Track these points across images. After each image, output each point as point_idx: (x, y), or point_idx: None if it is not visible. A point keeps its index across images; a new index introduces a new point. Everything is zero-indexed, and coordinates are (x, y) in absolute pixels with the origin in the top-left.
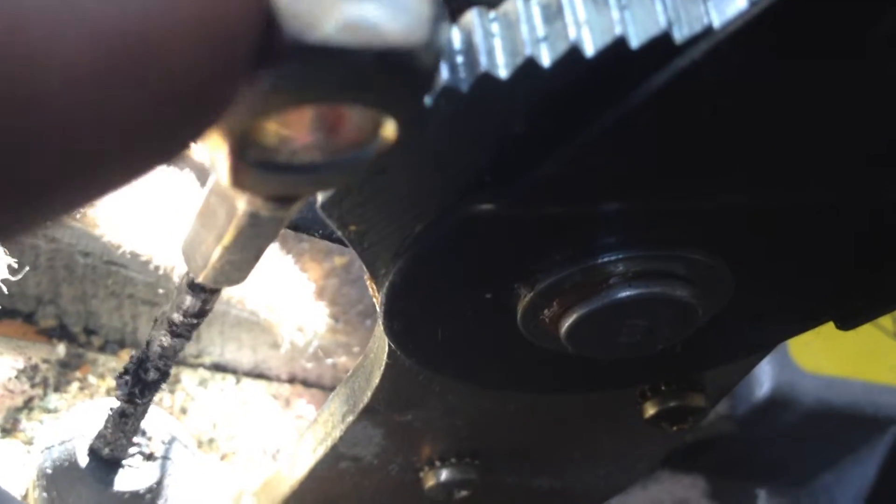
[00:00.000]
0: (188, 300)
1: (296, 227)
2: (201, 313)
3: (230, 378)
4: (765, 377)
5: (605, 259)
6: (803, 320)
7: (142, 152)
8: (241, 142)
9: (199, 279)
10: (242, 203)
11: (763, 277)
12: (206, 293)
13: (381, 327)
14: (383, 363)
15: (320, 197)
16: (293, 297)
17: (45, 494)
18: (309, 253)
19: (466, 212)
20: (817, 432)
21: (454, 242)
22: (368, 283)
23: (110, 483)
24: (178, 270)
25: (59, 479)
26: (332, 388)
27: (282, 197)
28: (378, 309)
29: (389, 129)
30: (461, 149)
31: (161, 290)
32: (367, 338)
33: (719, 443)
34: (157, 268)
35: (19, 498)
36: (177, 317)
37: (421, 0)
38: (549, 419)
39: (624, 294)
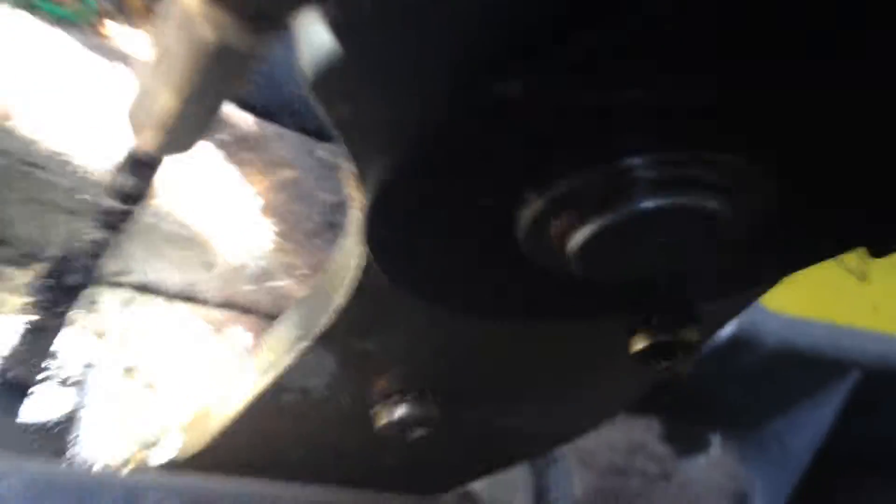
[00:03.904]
0: (130, 180)
1: (263, 113)
2: (139, 197)
3: (156, 300)
4: None
5: (631, 161)
6: (833, 244)
7: None
8: None
9: (147, 143)
10: (208, 27)
11: (798, 190)
12: (149, 170)
13: (350, 239)
14: (351, 280)
15: (309, 69)
16: (234, 212)
17: None
18: (254, 163)
19: (485, 94)
20: (776, 375)
21: (465, 132)
22: (350, 181)
23: (16, 412)
24: (104, 175)
25: None
26: (271, 315)
27: (257, 15)
28: (358, 212)
29: None
30: (482, 12)
31: (84, 197)
32: (314, 259)
33: (675, 384)
34: (80, 170)
35: None
36: (110, 201)
37: None
38: (525, 351)
39: (648, 203)
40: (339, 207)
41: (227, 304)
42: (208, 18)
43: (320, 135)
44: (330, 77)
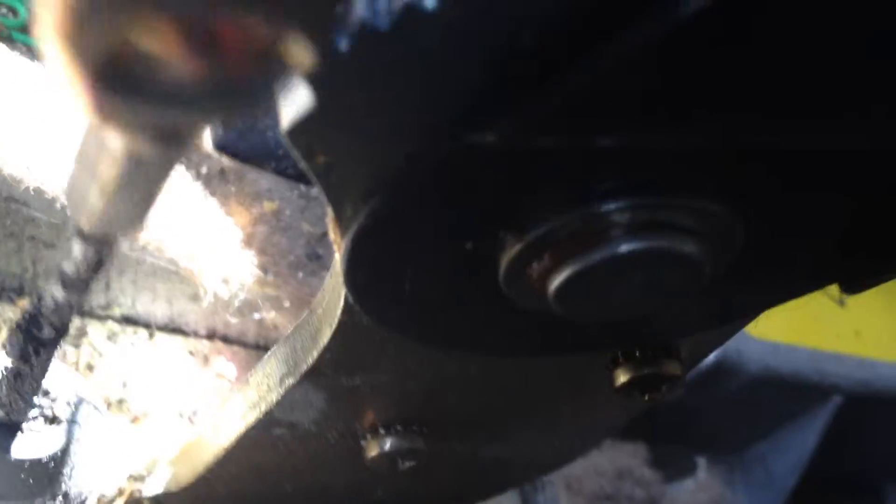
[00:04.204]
0: (78, 249)
1: (244, 158)
2: (96, 265)
3: (142, 332)
4: None
5: (608, 206)
6: (806, 282)
7: None
8: (104, 64)
9: (84, 226)
10: (118, 143)
11: (770, 233)
12: (100, 242)
13: (335, 279)
14: (336, 320)
15: (285, 121)
16: (217, 245)
17: None
18: (236, 196)
19: (461, 143)
20: (759, 399)
21: (442, 179)
22: (330, 226)
23: (8, 449)
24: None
25: None
26: (256, 346)
27: (164, 133)
28: (339, 256)
29: (297, 49)
30: (461, 64)
31: (68, 233)
32: (298, 292)
33: (661, 410)
34: (63, 207)
35: None
36: (69, 267)
37: None
38: (511, 384)
39: (626, 247)
40: (322, 239)
41: (211, 336)
42: (117, 135)
43: (303, 179)
44: (306, 125)
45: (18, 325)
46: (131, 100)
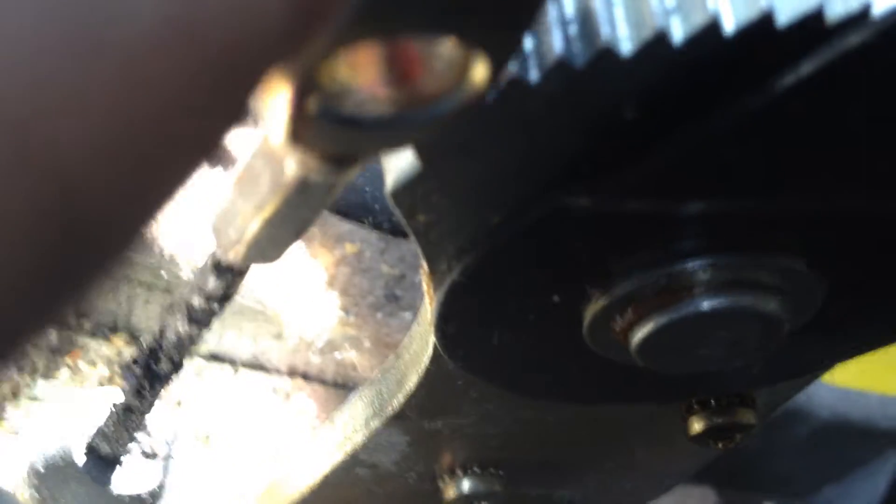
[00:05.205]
0: (212, 282)
1: (344, 213)
2: (225, 298)
3: (227, 368)
4: None
5: (692, 264)
6: (884, 337)
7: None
8: (306, 86)
9: (231, 256)
10: (292, 164)
11: (853, 291)
12: (231, 275)
13: (423, 327)
14: (423, 367)
15: (390, 182)
16: (301, 286)
17: (36, 494)
18: (319, 239)
19: (557, 205)
20: (829, 445)
21: (534, 238)
22: (424, 278)
23: (108, 483)
24: (181, 255)
25: (53, 477)
26: (334, 384)
27: (339, 157)
28: (430, 308)
29: (479, 73)
30: (561, 133)
31: (162, 274)
32: (377, 332)
33: (729, 454)
34: (158, 250)
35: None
36: (197, 301)
37: None
38: (587, 430)
39: (708, 304)
40: (400, 280)
41: (292, 373)
42: (293, 157)
43: (396, 233)
44: (409, 188)
45: (136, 360)
46: (325, 121)
